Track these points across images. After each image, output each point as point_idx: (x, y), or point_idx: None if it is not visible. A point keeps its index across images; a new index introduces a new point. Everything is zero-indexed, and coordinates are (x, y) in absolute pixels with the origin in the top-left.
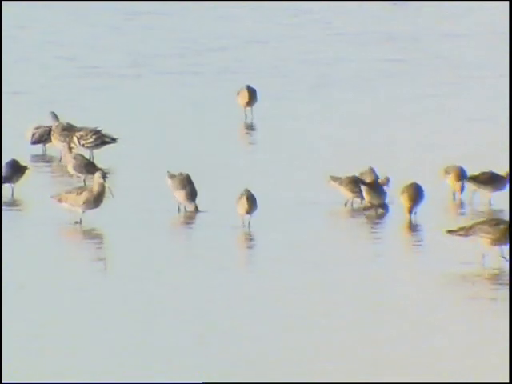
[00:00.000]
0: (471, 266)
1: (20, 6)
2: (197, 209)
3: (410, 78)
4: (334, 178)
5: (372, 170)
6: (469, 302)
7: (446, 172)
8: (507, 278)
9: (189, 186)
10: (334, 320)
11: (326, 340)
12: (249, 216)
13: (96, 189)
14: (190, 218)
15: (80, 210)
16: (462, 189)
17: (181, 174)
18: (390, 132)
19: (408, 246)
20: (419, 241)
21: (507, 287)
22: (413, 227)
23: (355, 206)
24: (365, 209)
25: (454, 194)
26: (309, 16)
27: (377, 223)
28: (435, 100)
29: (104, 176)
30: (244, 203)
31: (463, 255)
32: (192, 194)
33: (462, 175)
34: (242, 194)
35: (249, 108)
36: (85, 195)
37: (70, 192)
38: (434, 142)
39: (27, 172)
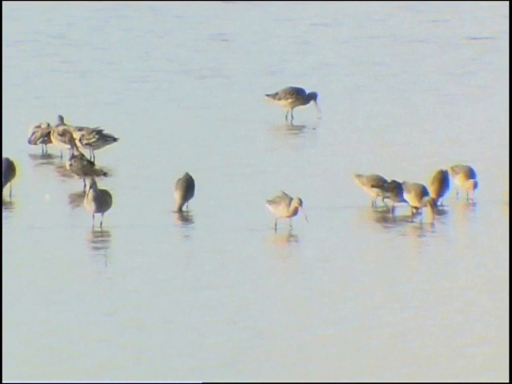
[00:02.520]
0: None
1: (20, 5)
2: (180, 209)
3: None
4: (359, 176)
5: (442, 171)
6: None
7: (454, 172)
8: None
9: (183, 187)
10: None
11: (328, 341)
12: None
13: (91, 194)
14: (192, 219)
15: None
16: (475, 186)
17: (178, 179)
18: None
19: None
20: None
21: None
22: (421, 229)
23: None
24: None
25: (457, 194)
26: (325, 18)
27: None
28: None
29: (93, 183)
30: (290, 208)
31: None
32: (184, 195)
33: (471, 174)
34: (284, 197)
35: (290, 109)
36: (85, 200)
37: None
38: (443, 143)
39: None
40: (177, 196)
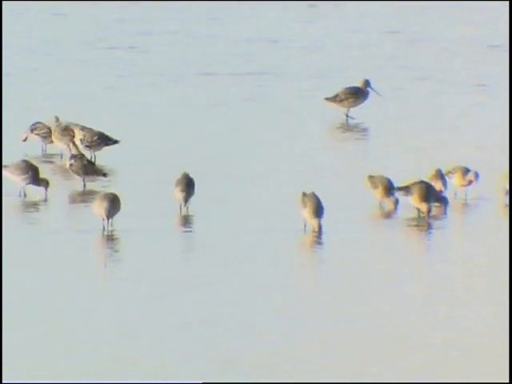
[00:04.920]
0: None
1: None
2: (185, 200)
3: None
4: (370, 177)
5: (439, 172)
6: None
7: (450, 173)
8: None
9: (183, 182)
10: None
11: (329, 340)
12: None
13: (103, 199)
14: (208, 220)
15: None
16: (477, 177)
17: (179, 177)
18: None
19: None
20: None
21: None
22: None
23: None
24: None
25: (455, 193)
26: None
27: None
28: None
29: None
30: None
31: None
32: (185, 190)
33: (468, 174)
34: (307, 198)
35: (349, 109)
36: (96, 203)
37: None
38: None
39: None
40: (178, 191)
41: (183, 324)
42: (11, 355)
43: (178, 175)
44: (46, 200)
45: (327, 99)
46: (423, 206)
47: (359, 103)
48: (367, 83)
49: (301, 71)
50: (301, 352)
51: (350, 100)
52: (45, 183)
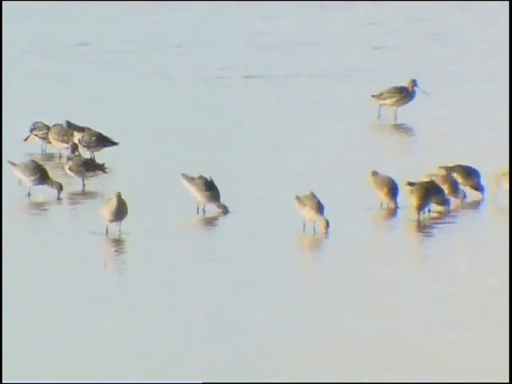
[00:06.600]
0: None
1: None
2: (225, 208)
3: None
4: (374, 173)
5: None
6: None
7: (452, 171)
8: None
9: (213, 187)
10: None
11: (329, 341)
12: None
13: (114, 203)
14: (209, 221)
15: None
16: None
17: (201, 177)
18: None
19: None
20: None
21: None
22: (422, 226)
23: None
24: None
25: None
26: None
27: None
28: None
29: (119, 195)
30: (312, 210)
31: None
32: (217, 195)
33: (470, 174)
34: (305, 198)
35: (396, 108)
36: (105, 209)
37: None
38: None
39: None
40: (209, 195)
41: (183, 324)
42: (11, 355)
43: (199, 178)
44: (50, 201)
45: (373, 96)
46: (415, 204)
47: (405, 103)
48: (414, 83)
49: (308, 72)
50: (301, 352)
51: (394, 99)
52: (58, 186)
